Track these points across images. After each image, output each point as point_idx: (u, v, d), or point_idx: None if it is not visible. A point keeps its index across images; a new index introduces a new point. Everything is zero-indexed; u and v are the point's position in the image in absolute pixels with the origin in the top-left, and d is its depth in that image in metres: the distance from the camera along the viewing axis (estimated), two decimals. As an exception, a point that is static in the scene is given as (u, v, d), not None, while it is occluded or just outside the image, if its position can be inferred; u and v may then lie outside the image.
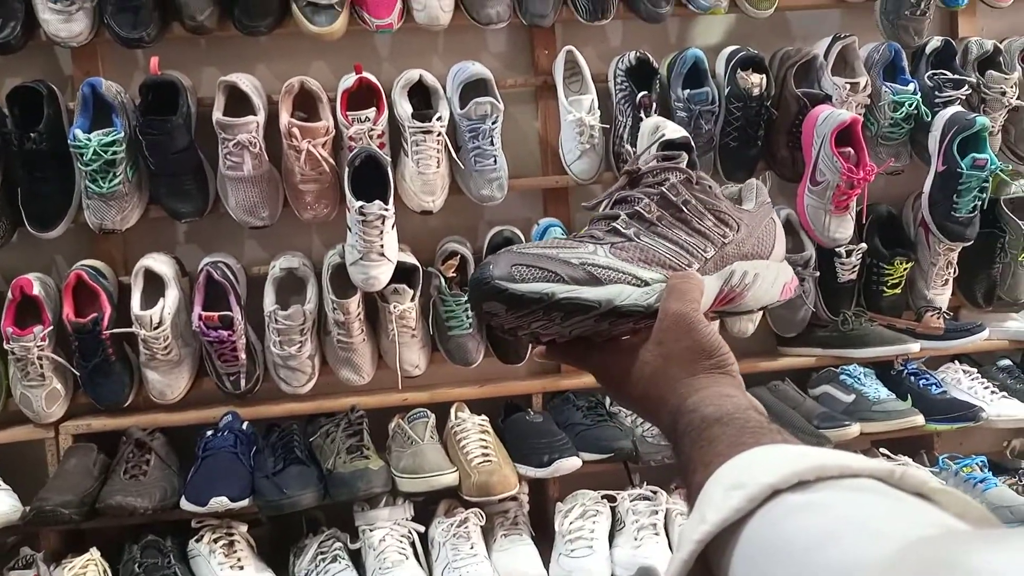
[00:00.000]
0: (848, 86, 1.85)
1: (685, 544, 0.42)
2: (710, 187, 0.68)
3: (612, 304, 0.60)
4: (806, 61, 1.88)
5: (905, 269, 1.95)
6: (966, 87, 1.91)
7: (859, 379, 1.89)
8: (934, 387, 1.90)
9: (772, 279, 0.72)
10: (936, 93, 1.90)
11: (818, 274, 1.90)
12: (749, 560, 0.39)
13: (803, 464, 0.41)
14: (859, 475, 0.41)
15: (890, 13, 1.90)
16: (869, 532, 0.35)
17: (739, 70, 1.82)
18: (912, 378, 1.92)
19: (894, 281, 1.96)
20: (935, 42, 1.94)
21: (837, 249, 1.89)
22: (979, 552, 0.30)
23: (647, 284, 0.61)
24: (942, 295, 1.99)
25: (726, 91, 1.82)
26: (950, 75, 1.91)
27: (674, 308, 0.60)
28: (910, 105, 1.87)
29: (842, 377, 1.91)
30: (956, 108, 1.88)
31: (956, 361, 2.01)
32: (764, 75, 1.82)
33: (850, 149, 1.78)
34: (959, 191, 1.85)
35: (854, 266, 1.92)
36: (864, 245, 1.92)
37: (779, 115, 1.86)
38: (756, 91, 1.80)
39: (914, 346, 1.90)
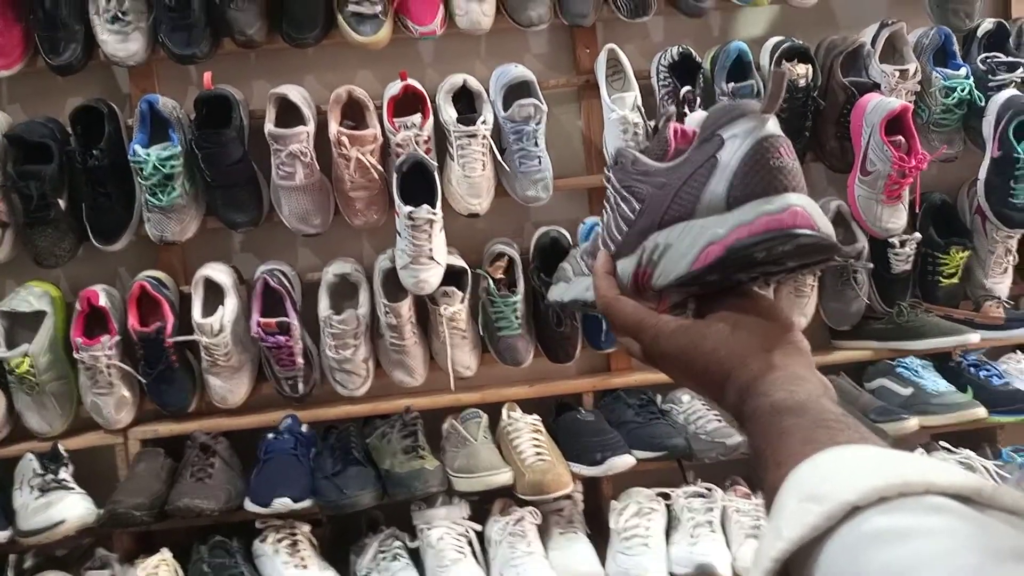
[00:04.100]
0: (897, 73, 1.82)
1: (763, 561, 0.42)
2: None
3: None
4: (853, 49, 1.85)
5: (962, 258, 1.91)
6: (1021, 69, 1.86)
7: (917, 371, 1.86)
8: (995, 378, 1.86)
9: (689, 244, 0.58)
10: (990, 77, 1.86)
11: (872, 266, 1.87)
12: None
13: (884, 479, 0.40)
14: (945, 492, 0.39)
15: (940, -3, 1.87)
16: (948, 572, 0.34)
17: (784, 61, 1.80)
18: (972, 369, 1.88)
19: (950, 271, 1.92)
20: (987, 24, 1.90)
21: (890, 240, 1.86)
22: None
23: None
24: (1001, 283, 1.94)
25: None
26: (1004, 58, 1.87)
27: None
28: (962, 90, 1.84)
29: (899, 370, 1.88)
30: (1011, 91, 1.83)
31: (1019, 351, 1.96)
32: (810, 65, 1.80)
33: (901, 137, 1.75)
34: (1016, 176, 1.81)
35: (908, 256, 1.88)
36: (918, 235, 1.88)
37: (826, 105, 1.83)
38: (802, 82, 1.78)
39: (974, 336, 1.85)
